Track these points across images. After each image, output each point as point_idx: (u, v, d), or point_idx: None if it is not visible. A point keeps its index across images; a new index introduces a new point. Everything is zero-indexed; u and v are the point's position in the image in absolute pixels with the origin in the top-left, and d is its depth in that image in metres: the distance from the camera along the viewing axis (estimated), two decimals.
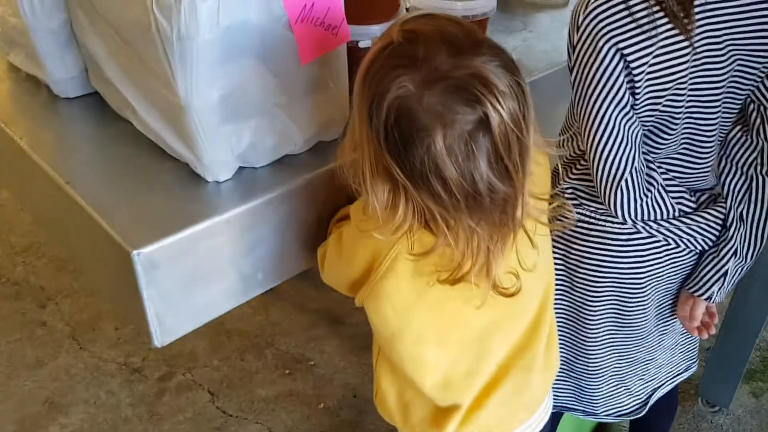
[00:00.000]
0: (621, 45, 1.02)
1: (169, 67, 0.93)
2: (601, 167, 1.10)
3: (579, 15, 1.05)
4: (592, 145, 1.09)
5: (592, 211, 1.21)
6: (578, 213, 1.21)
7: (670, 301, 1.32)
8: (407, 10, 1.33)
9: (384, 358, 1.11)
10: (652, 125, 1.11)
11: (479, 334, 1.03)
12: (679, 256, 1.23)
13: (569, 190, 1.23)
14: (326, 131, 1.14)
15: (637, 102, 1.06)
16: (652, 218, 1.15)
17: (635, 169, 1.09)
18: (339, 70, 1.11)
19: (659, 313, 1.33)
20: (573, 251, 1.25)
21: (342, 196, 1.14)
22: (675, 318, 1.35)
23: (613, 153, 1.08)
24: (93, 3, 1.04)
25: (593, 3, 1.03)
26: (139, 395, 2.08)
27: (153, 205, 1.01)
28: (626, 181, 1.09)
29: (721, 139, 1.17)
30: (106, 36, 1.06)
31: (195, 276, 1.01)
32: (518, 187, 0.85)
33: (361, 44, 1.21)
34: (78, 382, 2.11)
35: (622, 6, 1.01)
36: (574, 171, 1.21)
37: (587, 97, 1.06)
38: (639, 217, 1.14)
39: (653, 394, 1.46)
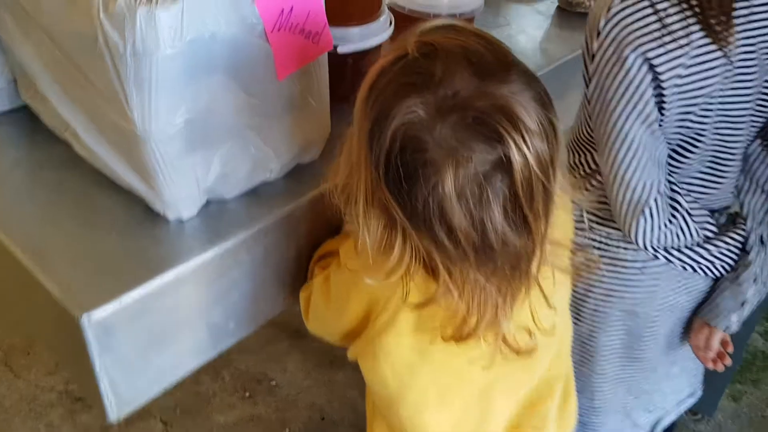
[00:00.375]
0: (650, 54, 0.89)
1: (121, 89, 0.76)
2: (621, 191, 0.97)
3: (599, 20, 0.91)
4: (612, 166, 0.96)
5: (603, 236, 1.08)
6: (588, 238, 1.08)
7: (680, 329, 1.22)
8: (389, 9, 1.17)
9: (380, 416, 0.97)
10: (676, 143, 0.99)
11: (481, 391, 0.89)
12: (694, 283, 1.12)
13: (577, 213, 1.10)
14: (305, 153, 0.99)
15: (663, 118, 0.94)
16: (675, 245, 1.04)
17: (660, 193, 0.97)
18: (320, 84, 0.95)
19: (669, 342, 1.22)
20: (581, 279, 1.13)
21: (325, 225, 0.99)
22: (684, 345, 1.24)
23: (636, 176, 0.95)
24: (23, 5, 0.85)
25: (616, 6, 0.90)
26: (83, 428, 1.89)
27: (103, 252, 0.83)
28: (650, 207, 0.97)
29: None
30: (40, 45, 0.87)
31: (157, 336, 0.85)
32: (536, 239, 0.72)
33: (340, 49, 1.05)
34: (14, 415, 1.91)
35: (650, 10, 0.88)
36: (584, 192, 1.09)
37: (608, 112, 0.93)
38: (661, 245, 1.02)
39: (658, 424, 1.35)
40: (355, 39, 1.09)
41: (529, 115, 0.66)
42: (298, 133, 0.94)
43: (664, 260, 1.06)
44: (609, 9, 0.90)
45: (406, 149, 0.68)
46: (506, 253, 0.71)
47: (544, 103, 0.68)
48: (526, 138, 0.65)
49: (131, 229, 0.87)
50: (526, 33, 1.49)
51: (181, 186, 0.84)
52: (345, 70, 1.11)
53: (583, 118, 1.07)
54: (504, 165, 0.66)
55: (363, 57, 1.11)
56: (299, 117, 0.93)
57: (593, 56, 0.93)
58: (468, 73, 0.67)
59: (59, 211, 0.89)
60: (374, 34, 1.10)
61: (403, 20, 1.21)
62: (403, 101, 0.67)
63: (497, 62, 0.68)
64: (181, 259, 0.83)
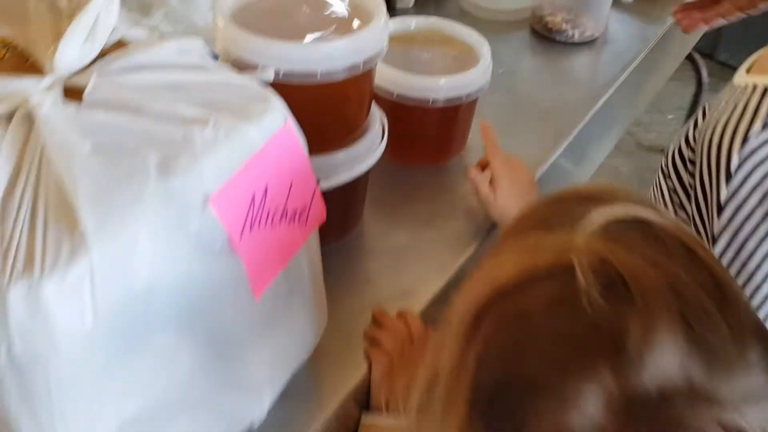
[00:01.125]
0: None
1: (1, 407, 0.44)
2: None
3: (727, 155, 0.63)
4: None
5: None
6: None
7: None
8: (375, 99, 0.85)
9: None
10: None
11: None
12: None
13: None
14: (298, 362, 0.68)
15: None
16: None
17: None
18: (312, 269, 0.65)
19: None
20: None
21: None
22: None
23: None
24: None
25: (757, 138, 0.61)
26: None
27: None
28: None
29: None
30: None
31: None
32: None
33: (323, 185, 0.73)
34: None
35: None
36: None
37: (757, 283, 0.66)
38: None
39: None
40: (341, 168, 0.77)
41: None
42: (285, 350, 0.64)
43: None
44: (744, 141, 0.61)
45: None
46: None
47: None
48: None
49: None
50: (527, 83, 1.19)
51: None
52: (330, 206, 0.79)
53: None
54: None
55: (351, 186, 0.80)
56: (287, 326, 0.63)
57: (722, 206, 0.64)
58: (684, 350, 0.36)
59: None
60: (364, 156, 0.79)
61: (393, 110, 0.89)
62: (559, 376, 0.36)
63: (730, 329, 0.37)
64: None
